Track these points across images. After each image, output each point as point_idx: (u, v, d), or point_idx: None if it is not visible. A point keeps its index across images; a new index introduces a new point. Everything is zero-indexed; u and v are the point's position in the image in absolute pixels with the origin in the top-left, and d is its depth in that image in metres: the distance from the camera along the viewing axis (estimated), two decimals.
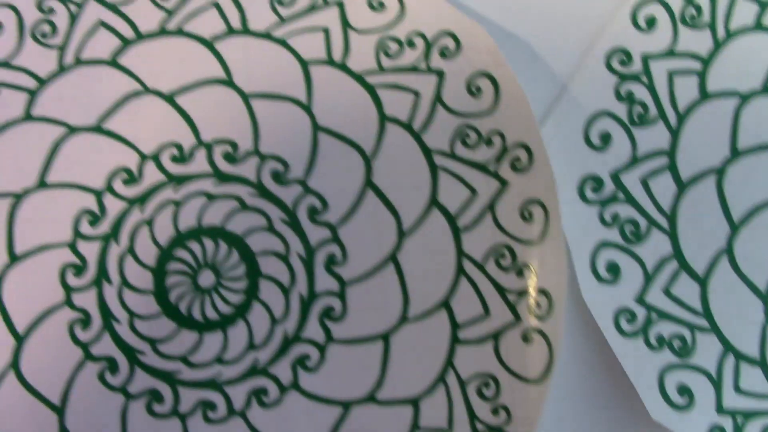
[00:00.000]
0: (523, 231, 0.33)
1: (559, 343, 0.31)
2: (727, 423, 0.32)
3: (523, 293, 0.32)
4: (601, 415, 0.34)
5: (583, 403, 0.34)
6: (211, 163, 0.34)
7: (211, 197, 0.34)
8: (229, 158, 0.34)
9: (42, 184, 0.33)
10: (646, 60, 0.35)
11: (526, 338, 0.32)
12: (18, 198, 0.33)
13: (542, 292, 0.32)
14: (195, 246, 0.33)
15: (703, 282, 0.33)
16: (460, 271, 0.33)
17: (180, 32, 0.34)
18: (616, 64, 0.35)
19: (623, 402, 0.33)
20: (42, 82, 0.34)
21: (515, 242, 0.32)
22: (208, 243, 0.33)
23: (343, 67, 0.34)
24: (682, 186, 0.34)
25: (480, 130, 0.33)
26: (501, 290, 0.32)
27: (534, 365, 0.32)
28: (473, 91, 0.34)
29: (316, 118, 0.34)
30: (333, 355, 0.33)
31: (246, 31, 0.34)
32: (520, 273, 0.32)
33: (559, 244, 0.32)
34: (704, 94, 0.34)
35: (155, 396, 0.32)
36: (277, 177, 0.34)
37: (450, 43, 0.34)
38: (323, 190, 0.34)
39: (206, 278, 0.33)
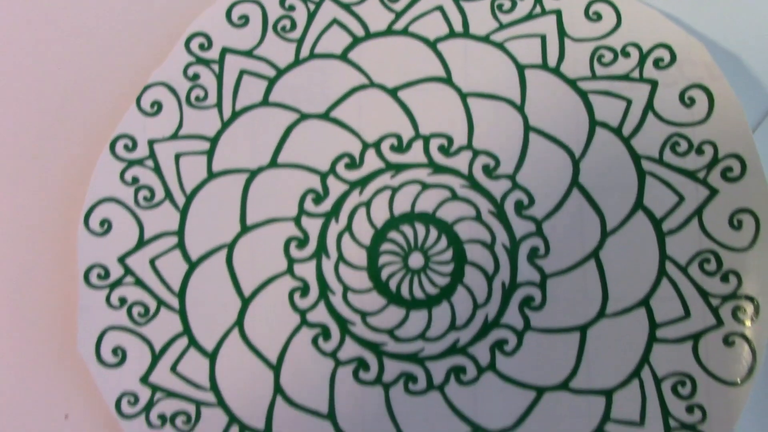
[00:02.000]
0: (731, 238, 0.34)
1: (764, 348, 0.32)
2: None
3: (727, 298, 0.33)
4: None
5: None
6: (427, 154, 0.36)
7: (425, 186, 0.36)
8: (444, 151, 0.36)
9: (274, 163, 0.37)
10: None
11: (727, 341, 0.33)
12: (253, 174, 0.37)
13: (748, 298, 0.33)
14: (407, 229, 0.36)
15: None
16: (662, 272, 0.34)
17: (406, 32, 0.37)
18: None
19: None
20: (280, 71, 0.37)
21: (722, 249, 0.34)
22: (420, 228, 0.36)
23: (557, 72, 0.36)
24: None
25: (691, 139, 0.35)
26: (704, 294, 0.33)
27: (734, 368, 0.33)
28: (686, 101, 0.35)
29: (528, 118, 0.36)
30: (530, 342, 0.35)
31: (467, 34, 0.37)
32: (725, 278, 0.33)
33: None
34: None
35: (362, 364, 0.35)
36: (488, 171, 0.36)
37: (665, 55, 0.35)
38: (531, 186, 0.36)
39: (416, 260, 0.36)
